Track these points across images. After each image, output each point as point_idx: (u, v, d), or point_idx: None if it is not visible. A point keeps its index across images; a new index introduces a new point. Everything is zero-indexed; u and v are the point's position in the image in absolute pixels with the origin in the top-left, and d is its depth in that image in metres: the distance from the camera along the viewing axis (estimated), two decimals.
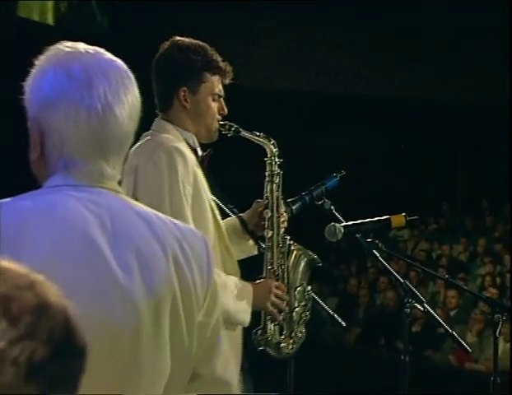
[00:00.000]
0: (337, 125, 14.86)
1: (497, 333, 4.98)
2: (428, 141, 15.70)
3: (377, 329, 11.27)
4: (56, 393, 1.53)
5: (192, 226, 3.58)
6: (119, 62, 2.55)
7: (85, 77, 2.45)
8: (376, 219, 4.59)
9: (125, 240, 2.41)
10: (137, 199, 3.28)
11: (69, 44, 2.52)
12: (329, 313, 4.72)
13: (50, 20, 13.54)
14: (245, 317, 3.81)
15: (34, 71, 2.51)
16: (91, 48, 2.53)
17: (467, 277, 11.93)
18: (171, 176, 3.72)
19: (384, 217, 4.58)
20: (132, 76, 2.55)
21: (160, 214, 2.62)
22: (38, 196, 2.46)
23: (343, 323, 5.36)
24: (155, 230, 2.47)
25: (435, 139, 15.60)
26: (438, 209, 15.08)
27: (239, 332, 3.83)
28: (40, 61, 2.51)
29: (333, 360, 8.81)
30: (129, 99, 2.49)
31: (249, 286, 3.86)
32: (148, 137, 3.78)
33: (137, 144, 3.80)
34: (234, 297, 3.76)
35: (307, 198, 4.31)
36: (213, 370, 2.69)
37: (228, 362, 3.75)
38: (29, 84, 2.49)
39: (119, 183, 2.60)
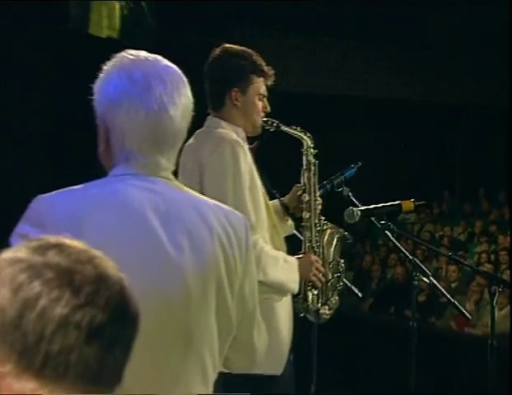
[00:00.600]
0: (353, 124, 14.84)
1: (494, 303, 4.99)
2: (432, 139, 15.67)
3: (387, 299, 11.27)
4: (112, 354, 1.54)
5: (251, 211, 3.68)
6: (175, 67, 2.56)
7: (144, 81, 2.46)
8: (389, 204, 4.60)
9: (177, 223, 2.42)
10: (203, 188, 3.29)
11: (132, 51, 2.55)
12: (347, 285, 4.73)
13: (117, 34, 13.30)
14: (295, 286, 3.84)
15: (101, 75, 2.53)
16: (151, 56, 2.54)
17: (466, 255, 11.96)
18: (235, 168, 3.73)
19: (396, 202, 4.60)
20: (185, 79, 2.56)
21: (208, 200, 2.62)
22: (103, 184, 2.48)
23: (360, 294, 5.39)
24: (203, 214, 2.48)
25: (438, 137, 15.59)
26: (440, 196, 15.04)
27: (289, 300, 3.85)
28: (107, 66, 2.53)
29: (350, 326, 8.79)
30: (182, 101, 2.49)
31: (294, 260, 3.89)
32: (206, 133, 3.80)
33: (195, 139, 3.83)
34: (284, 269, 3.79)
35: (328, 186, 4.32)
36: (252, 336, 2.68)
37: (280, 329, 3.81)
38: (96, 86, 2.51)
39: (174, 173, 2.59)
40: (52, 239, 1.58)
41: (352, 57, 15.15)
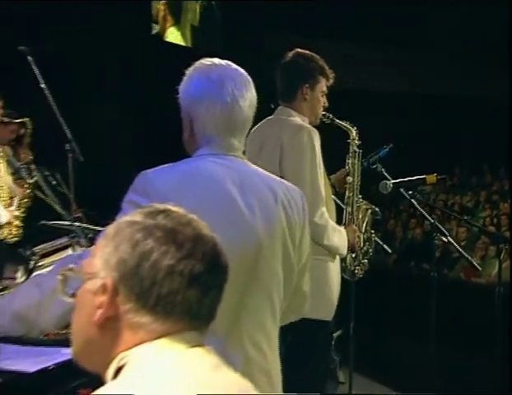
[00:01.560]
0: (384, 114, 14.76)
1: (501, 257, 5.01)
2: (446, 125, 15.54)
3: (408, 255, 11.19)
4: (208, 296, 1.54)
5: (321, 187, 3.67)
6: (241, 70, 2.57)
7: (219, 81, 2.48)
8: (415, 178, 4.58)
9: (249, 192, 2.43)
10: (282, 168, 3.29)
11: (208, 59, 2.57)
12: (379, 243, 4.73)
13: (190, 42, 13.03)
14: (345, 251, 3.84)
15: (184, 78, 2.55)
16: (223, 62, 2.56)
17: (473, 219, 11.83)
18: (312, 151, 3.71)
19: (421, 176, 4.58)
20: (250, 78, 2.57)
21: (272, 175, 2.63)
22: (190, 162, 2.50)
23: (389, 250, 5.39)
24: (270, 185, 2.49)
25: (451, 123, 15.46)
26: (452, 171, 14.88)
27: (338, 261, 3.86)
28: (188, 71, 2.55)
29: (378, 278, 8.77)
30: (248, 95, 2.51)
31: (343, 229, 3.89)
32: (281, 120, 3.76)
33: (267, 125, 3.82)
34: (339, 237, 3.78)
35: (365, 164, 4.32)
36: (302, 283, 2.66)
37: (332, 283, 3.79)
38: (181, 87, 2.54)
39: (244, 152, 2.60)
40: (160, 206, 1.60)
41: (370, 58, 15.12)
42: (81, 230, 4.93)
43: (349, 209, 4.11)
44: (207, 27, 13.24)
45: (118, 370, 1.49)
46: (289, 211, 2.50)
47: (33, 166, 5.68)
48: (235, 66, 2.57)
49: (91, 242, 4.99)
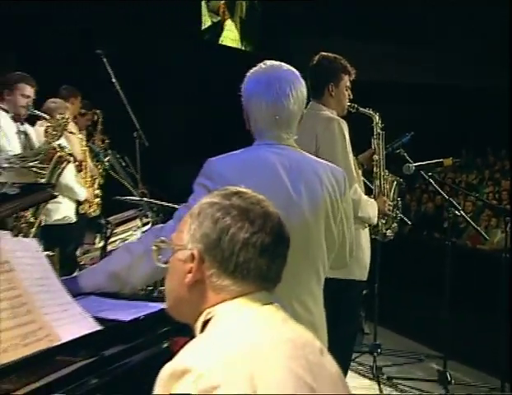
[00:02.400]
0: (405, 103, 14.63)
1: (507, 228, 4.98)
2: (454, 113, 15.37)
3: (422, 226, 11.12)
4: (275, 263, 1.59)
5: (353, 169, 3.69)
6: (292, 69, 2.57)
7: (266, 82, 2.49)
8: (434, 161, 4.61)
9: (297, 175, 2.45)
10: (319, 155, 3.34)
11: (265, 62, 2.58)
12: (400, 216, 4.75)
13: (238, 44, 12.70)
14: (375, 219, 3.87)
15: (244, 80, 2.57)
16: (276, 63, 2.57)
17: (478, 194, 11.75)
18: (343, 140, 3.71)
19: (439, 160, 4.61)
20: (300, 78, 2.57)
21: (318, 159, 2.65)
22: (248, 151, 2.54)
23: (409, 222, 5.42)
24: (315, 169, 2.51)
25: (458, 111, 15.28)
26: (459, 153, 14.72)
27: (367, 228, 3.88)
28: (247, 74, 2.57)
29: (396, 245, 8.74)
30: (293, 93, 2.50)
31: (374, 201, 3.91)
32: (313, 115, 3.71)
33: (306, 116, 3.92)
34: (371, 208, 3.80)
35: (390, 149, 4.35)
36: (345, 250, 2.68)
37: (365, 248, 3.82)
38: (242, 87, 2.56)
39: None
40: (233, 188, 1.64)
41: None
42: (147, 203, 5.03)
43: (377, 182, 4.14)
44: (250, 24, 12.89)
45: (205, 323, 1.55)
46: (332, 192, 2.51)
47: (108, 150, 5.77)
48: (286, 67, 2.55)
49: (157, 214, 5.08)
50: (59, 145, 4.36)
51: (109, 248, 4.56)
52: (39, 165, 3.80)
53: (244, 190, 1.65)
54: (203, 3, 11.99)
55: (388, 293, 5.48)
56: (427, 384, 4.81)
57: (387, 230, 4.12)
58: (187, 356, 1.41)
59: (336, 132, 3.68)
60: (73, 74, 6.19)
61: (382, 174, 4.13)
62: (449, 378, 4.62)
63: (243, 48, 12.29)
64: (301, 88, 2.54)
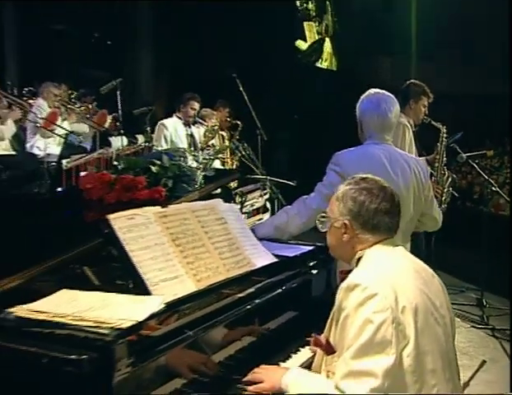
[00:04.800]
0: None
1: None
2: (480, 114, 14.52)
3: (456, 197, 10.76)
4: (394, 220, 1.72)
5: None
6: (390, 95, 2.64)
7: (376, 102, 2.60)
8: (480, 152, 4.61)
9: (394, 163, 2.55)
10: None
11: (373, 89, 2.66)
12: None
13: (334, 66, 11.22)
14: None
15: (359, 100, 2.67)
16: (380, 91, 2.65)
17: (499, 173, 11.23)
18: (402, 137, 3.78)
19: (483, 152, 4.59)
20: (395, 99, 2.65)
21: (407, 153, 2.79)
22: (362, 147, 2.64)
23: (456, 194, 5.31)
24: (405, 159, 2.61)
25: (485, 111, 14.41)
26: (484, 143, 13.99)
27: None
28: (362, 97, 2.66)
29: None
30: (393, 110, 2.61)
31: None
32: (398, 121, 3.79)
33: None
34: None
35: (446, 144, 4.34)
36: (436, 213, 2.75)
37: None
38: (358, 104, 2.65)
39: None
40: (358, 176, 1.78)
41: None
42: (268, 180, 5.27)
43: (435, 174, 4.11)
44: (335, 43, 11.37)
45: (358, 260, 1.72)
46: (418, 176, 2.59)
47: (241, 144, 5.92)
48: (387, 93, 2.64)
49: (270, 187, 5.31)
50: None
51: (244, 209, 4.83)
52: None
53: (366, 176, 1.78)
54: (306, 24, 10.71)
55: (438, 242, 5.43)
56: (467, 307, 4.75)
57: (441, 205, 4.07)
58: (356, 277, 1.62)
59: (400, 132, 3.76)
60: (220, 90, 6.39)
61: (440, 168, 4.16)
62: (485, 303, 4.62)
63: (332, 67, 11.16)
64: (397, 106, 2.66)
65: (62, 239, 1.98)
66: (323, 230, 1.81)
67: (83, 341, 1.42)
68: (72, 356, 1.36)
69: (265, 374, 1.69)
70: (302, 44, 10.33)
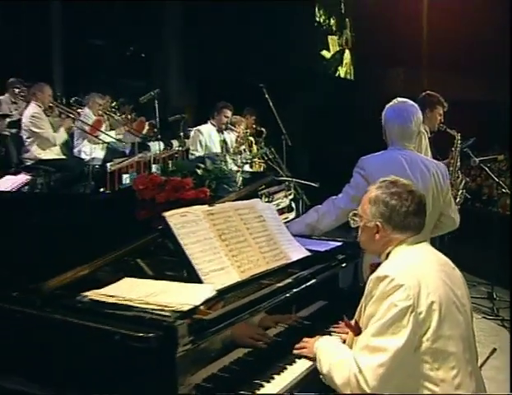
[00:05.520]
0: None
1: None
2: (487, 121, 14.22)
3: (467, 198, 10.60)
4: (421, 219, 1.77)
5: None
6: (413, 104, 2.65)
7: (399, 111, 2.63)
8: (491, 156, 4.60)
9: (415, 167, 2.58)
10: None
11: (398, 98, 2.67)
12: None
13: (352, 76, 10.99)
14: None
15: (384, 109, 2.69)
16: (404, 100, 2.66)
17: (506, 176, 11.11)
18: (420, 142, 3.71)
19: (495, 156, 4.58)
20: (417, 108, 2.64)
21: (427, 158, 2.80)
22: (386, 152, 2.67)
23: (468, 196, 5.30)
24: (425, 163, 2.63)
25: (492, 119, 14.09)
26: (494, 147, 13.76)
27: None
28: (387, 106, 2.68)
29: None
30: (414, 119, 2.62)
31: None
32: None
33: None
34: None
35: (460, 148, 4.34)
36: (454, 213, 2.78)
37: None
38: (383, 113, 2.69)
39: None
40: (388, 179, 1.80)
41: None
42: (292, 182, 5.33)
43: (450, 177, 4.07)
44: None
45: (387, 255, 1.77)
46: (437, 179, 2.62)
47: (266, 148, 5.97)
48: (410, 102, 2.66)
49: (294, 188, 5.37)
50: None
51: None
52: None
53: (395, 179, 1.81)
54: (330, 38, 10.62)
55: (451, 240, 5.42)
56: (479, 300, 4.73)
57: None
58: (385, 269, 1.70)
59: (423, 137, 3.76)
60: (245, 97, 6.47)
61: (454, 172, 4.19)
62: (495, 296, 4.62)
63: (350, 76, 10.91)
64: (418, 115, 2.68)
65: (118, 235, 2.07)
66: (355, 226, 1.87)
67: (150, 322, 1.51)
68: (141, 334, 1.45)
69: (306, 343, 1.86)
70: (327, 54, 10.46)
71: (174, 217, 1.92)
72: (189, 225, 1.94)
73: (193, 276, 1.84)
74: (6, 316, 1.65)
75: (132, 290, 1.70)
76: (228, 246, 1.97)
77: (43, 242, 2.10)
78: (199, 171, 2.33)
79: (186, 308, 1.57)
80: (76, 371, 1.55)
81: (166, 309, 1.56)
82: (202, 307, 1.63)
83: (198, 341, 1.54)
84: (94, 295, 1.66)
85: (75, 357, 1.55)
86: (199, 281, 1.82)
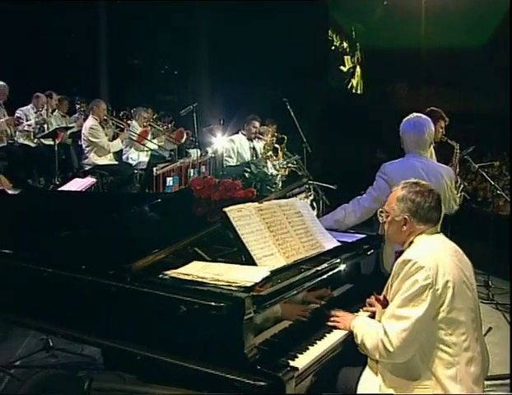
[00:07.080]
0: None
1: None
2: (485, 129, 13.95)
3: (464, 200, 10.49)
4: (440, 213, 1.85)
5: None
6: (426, 117, 2.70)
7: (414, 124, 2.71)
8: (489, 163, 4.70)
9: (429, 172, 2.66)
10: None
11: (413, 113, 2.70)
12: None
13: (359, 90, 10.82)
14: None
15: (403, 121, 2.75)
16: (418, 114, 2.71)
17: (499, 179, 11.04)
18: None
19: (492, 162, 4.66)
20: (430, 121, 2.69)
21: (440, 164, 2.82)
22: (404, 159, 2.74)
23: (468, 197, 5.30)
24: (438, 169, 2.73)
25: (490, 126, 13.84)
26: (486, 154, 13.59)
27: None
28: (404, 119, 2.73)
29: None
30: (427, 130, 2.69)
31: None
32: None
33: None
34: None
35: (460, 155, 4.25)
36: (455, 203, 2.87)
37: None
38: (401, 125, 2.75)
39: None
40: (411, 181, 1.86)
41: None
42: (312, 184, 5.46)
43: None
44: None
45: (410, 243, 1.87)
46: (447, 181, 2.72)
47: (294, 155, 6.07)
48: (424, 117, 2.72)
49: (314, 190, 5.46)
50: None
51: None
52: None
53: (417, 181, 1.90)
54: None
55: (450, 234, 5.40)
56: (476, 287, 4.81)
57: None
58: (409, 254, 1.81)
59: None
60: (272, 113, 6.54)
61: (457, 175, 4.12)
62: (490, 284, 4.62)
63: (360, 90, 10.75)
64: (431, 127, 2.76)
65: (180, 228, 2.25)
66: (382, 222, 1.98)
67: (221, 295, 1.66)
68: (214, 304, 1.61)
69: (340, 317, 1.97)
70: (343, 68, 10.58)
71: (232, 212, 2.07)
72: (244, 219, 2.08)
73: (249, 260, 1.99)
74: (104, 289, 1.82)
75: (203, 271, 1.87)
76: (275, 236, 2.10)
77: (125, 233, 2.28)
78: (246, 174, 2.48)
79: (249, 284, 1.74)
80: (159, 334, 1.71)
81: (233, 284, 1.73)
82: (262, 283, 1.79)
83: (259, 310, 1.70)
84: (173, 273, 1.84)
85: (158, 323, 1.71)
86: (254, 264, 1.97)
